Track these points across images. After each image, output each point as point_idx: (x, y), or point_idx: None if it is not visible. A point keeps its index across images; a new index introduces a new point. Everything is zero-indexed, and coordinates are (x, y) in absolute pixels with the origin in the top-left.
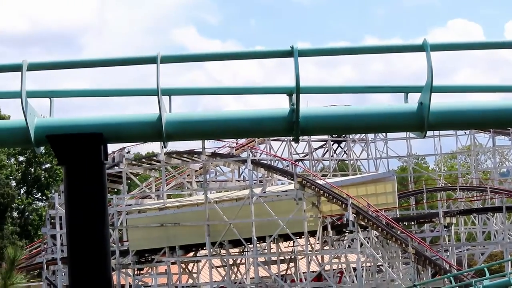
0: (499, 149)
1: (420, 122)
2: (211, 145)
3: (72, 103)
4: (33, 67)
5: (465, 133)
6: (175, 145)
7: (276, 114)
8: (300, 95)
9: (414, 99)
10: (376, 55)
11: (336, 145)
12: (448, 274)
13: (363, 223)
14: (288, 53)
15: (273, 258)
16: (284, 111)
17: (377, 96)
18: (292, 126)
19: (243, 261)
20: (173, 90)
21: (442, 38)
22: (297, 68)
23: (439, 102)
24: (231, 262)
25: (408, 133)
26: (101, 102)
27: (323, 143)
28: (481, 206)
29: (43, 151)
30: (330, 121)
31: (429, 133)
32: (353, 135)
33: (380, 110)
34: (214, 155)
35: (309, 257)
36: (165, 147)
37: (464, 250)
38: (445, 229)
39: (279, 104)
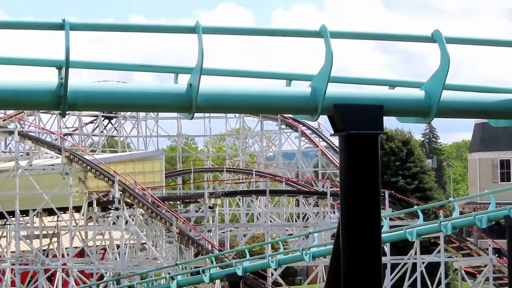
0: (267, 133)
1: (188, 103)
2: None
3: None
4: None
5: (235, 116)
6: None
7: (43, 87)
8: (70, 69)
9: (185, 81)
10: (146, 34)
11: (106, 121)
12: (210, 254)
13: (129, 200)
14: (60, 26)
15: (36, 233)
16: (52, 85)
17: (145, 76)
18: (60, 100)
19: (4, 234)
20: None
21: (214, 22)
22: (67, 41)
23: (209, 84)
24: None
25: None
26: None
27: (94, 118)
28: (246, 189)
29: None
30: (100, 97)
31: (200, 114)
32: (124, 112)
33: (149, 89)
34: None
35: (73, 233)
36: None
37: (227, 231)
38: (210, 209)
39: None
